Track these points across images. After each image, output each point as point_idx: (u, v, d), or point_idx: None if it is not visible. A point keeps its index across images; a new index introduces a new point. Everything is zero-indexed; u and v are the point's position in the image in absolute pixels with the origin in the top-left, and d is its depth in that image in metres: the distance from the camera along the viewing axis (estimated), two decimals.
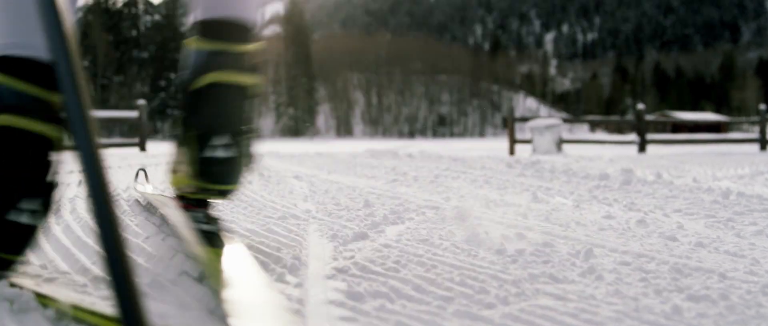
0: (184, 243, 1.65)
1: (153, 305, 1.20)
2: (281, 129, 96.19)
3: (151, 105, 73.54)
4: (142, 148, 14.60)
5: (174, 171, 1.77)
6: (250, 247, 1.71)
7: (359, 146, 37.99)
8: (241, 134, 1.63)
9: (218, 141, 1.59)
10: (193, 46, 1.71)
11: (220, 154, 1.59)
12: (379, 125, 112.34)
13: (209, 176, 1.59)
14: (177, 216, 1.78)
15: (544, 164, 5.03)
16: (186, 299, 1.28)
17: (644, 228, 2.20)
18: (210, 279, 1.34)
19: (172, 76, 78.00)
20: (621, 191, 3.31)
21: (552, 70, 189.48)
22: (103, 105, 70.52)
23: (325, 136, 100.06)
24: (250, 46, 1.71)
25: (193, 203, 1.79)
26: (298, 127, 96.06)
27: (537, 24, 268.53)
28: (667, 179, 4.05)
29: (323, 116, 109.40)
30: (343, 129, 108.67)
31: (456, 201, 2.81)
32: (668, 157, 10.03)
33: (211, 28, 1.68)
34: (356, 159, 5.98)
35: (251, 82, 1.65)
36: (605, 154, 14.18)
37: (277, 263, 1.56)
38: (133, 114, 15.05)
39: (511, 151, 16.38)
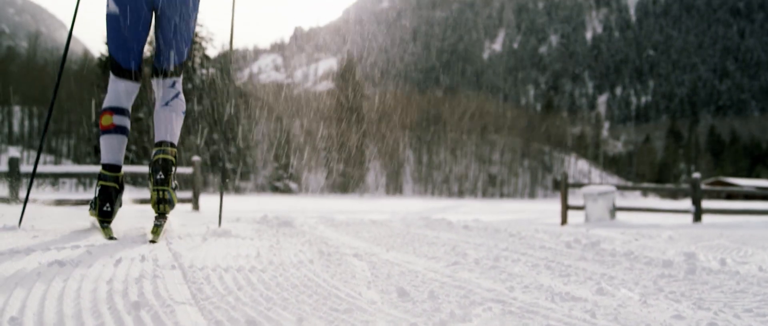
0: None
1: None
2: (331, 185, 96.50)
3: (203, 157, 74.35)
4: (196, 206, 14.67)
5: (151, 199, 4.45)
6: None
7: (411, 206, 37.92)
8: (169, 182, 4.32)
9: (160, 187, 4.29)
10: (154, 149, 4.41)
11: (162, 193, 4.28)
12: (428, 183, 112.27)
13: (159, 203, 4.24)
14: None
15: (604, 244, 4.97)
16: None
17: None
18: (153, 233, 4.17)
19: (226, 130, 78.84)
20: (686, 282, 3.25)
21: (604, 133, 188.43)
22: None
23: (374, 194, 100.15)
24: (173, 149, 4.46)
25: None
26: (347, 184, 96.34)
27: (590, 86, 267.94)
28: (732, 267, 3.97)
29: (373, 173, 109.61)
30: (393, 187, 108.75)
31: (520, 292, 2.79)
32: (726, 230, 9.87)
33: (159, 143, 4.47)
34: (411, 229, 5.96)
35: (172, 158, 4.37)
36: (661, 224, 14.01)
37: None
38: (187, 170, 15.19)
39: (564, 219, 16.23)
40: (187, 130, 77.21)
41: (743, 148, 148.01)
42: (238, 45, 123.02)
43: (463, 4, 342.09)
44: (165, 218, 4.40)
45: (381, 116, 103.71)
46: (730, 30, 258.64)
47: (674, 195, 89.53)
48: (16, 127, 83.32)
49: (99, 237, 4.13)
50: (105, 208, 4.34)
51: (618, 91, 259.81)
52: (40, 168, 14.55)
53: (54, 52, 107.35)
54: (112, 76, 4.65)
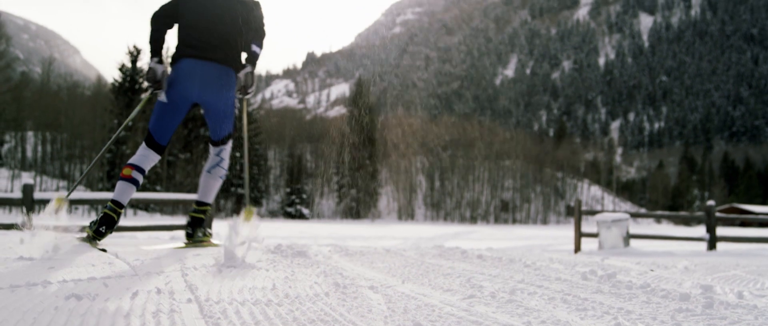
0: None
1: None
2: (343, 210, 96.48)
3: None
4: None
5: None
6: None
7: (423, 232, 37.81)
8: (196, 234, 6.67)
9: (188, 240, 6.68)
10: (194, 205, 6.62)
11: (199, 234, 6.69)
12: (441, 209, 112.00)
13: (195, 236, 6.67)
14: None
15: (620, 276, 4.94)
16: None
17: None
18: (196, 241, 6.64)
19: (238, 154, 78.87)
20: (704, 317, 3.23)
21: (617, 159, 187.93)
22: (169, 181, 71.63)
23: (386, 219, 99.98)
24: (207, 208, 6.65)
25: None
26: (359, 209, 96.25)
27: (603, 111, 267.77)
28: (749, 300, 3.95)
29: (386, 198, 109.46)
30: (405, 212, 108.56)
31: None
32: (742, 259, 9.83)
33: (196, 201, 6.59)
34: (425, 259, 5.95)
35: (201, 216, 6.63)
36: (675, 252, 13.94)
37: None
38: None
39: (577, 246, 16.15)
40: (199, 155, 77.55)
41: (757, 175, 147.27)
42: None
43: (476, 30, 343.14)
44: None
45: (393, 141, 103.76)
46: (744, 56, 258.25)
47: (687, 221, 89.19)
48: (29, 153, 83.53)
49: (115, 270, 4.14)
50: (101, 229, 5.70)
51: (631, 116, 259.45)
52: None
53: (67, 77, 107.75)
54: (144, 144, 6.07)
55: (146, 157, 6.03)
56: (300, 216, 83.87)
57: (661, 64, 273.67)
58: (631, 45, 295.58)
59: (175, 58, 6.09)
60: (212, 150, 6.44)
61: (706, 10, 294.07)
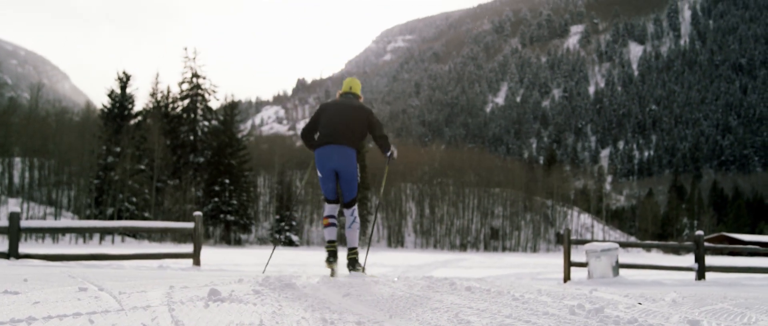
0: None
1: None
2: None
3: (205, 209, 74.37)
4: (197, 261, 14.56)
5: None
6: None
7: (412, 259, 37.69)
8: (356, 267, 8.85)
9: (356, 267, 8.90)
10: (347, 250, 9.10)
11: (358, 269, 8.91)
12: (430, 236, 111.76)
13: (353, 263, 8.92)
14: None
15: (608, 310, 4.93)
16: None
17: None
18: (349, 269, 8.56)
19: (227, 181, 78.64)
20: None
21: (607, 187, 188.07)
22: (157, 207, 71.40)
23: (376, 246, 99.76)
24: (356, 250, 9.03)
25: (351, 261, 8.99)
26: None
27: (593, 140, 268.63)
28: None
29: (375, 225, 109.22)
30: (395, 239, 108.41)
31: None
32: (730, 290, 9.85)
33: (349, 248, 9.07)
34: (414, 291, 5.93)
35: (355, 256, 8.94)
36: (664, 281, 13.95)
37: None
38: (188, 225, 15.11)
39: (567, 275, 16.14)
40: (188, 182, 77.41)
41: (746, 204, 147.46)
42: (240, 96, 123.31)
43: (466, 58, 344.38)
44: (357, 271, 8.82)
45: (383, 168, 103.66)
46: (733, 86, 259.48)
47: (677, 250, 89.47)
48: (16, 179, 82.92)
49: (101, 304, 4.12)
50: (330, 260, 8.96)
51: (621, 144, 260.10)
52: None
53: (56, 103, 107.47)
54: (325, 202, 9.23)
55: (331, 209, 9.28)
56: (289, 243, 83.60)
57: (650, 93, 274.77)
58: (621, 74, 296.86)
59: (318, 144, 9.07)
60: (346, 212, 9.31)
61: (695, 40, 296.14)
